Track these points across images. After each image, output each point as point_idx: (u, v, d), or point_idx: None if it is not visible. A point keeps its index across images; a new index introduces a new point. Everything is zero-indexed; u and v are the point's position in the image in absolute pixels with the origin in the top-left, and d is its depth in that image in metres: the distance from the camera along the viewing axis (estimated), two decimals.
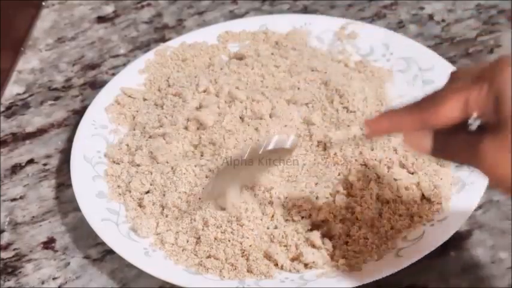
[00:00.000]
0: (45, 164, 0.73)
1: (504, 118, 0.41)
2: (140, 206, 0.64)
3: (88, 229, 0.62)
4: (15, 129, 0.77)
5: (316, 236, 0.59)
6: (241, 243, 0.59)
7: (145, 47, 0.85)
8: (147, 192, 0.65)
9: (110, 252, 0.62)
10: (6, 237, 0.66)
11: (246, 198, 0.61)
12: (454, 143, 0.44)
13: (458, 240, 0.61)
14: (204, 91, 0.71)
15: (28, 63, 0.85)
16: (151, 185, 0.65)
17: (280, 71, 0.73)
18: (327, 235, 0.60)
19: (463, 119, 0.43)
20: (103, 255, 0.64)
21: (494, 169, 0.42)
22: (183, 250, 0.60)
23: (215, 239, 0.59)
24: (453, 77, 0.45)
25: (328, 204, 0.60)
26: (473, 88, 0.42)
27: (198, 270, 0.58)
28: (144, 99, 0.75)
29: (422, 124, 0.44)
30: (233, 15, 0.88)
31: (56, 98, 0.80)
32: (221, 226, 0.60)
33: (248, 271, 0.58)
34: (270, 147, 0.58)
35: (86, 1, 0.93)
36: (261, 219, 0.60)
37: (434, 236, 0.58)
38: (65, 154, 0.72)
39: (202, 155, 0.67)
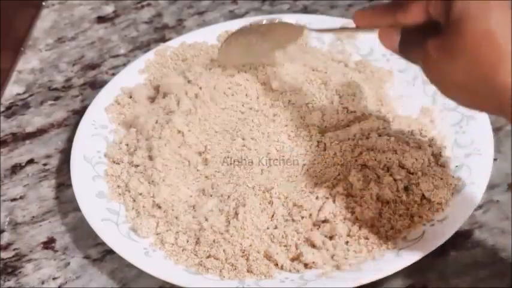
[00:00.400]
0: (45, 164, 0.73)
1: (449, 21, 0.45)
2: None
3: (88, 229, 0.62)
4: (15, 129, 0.77)
5: (316, 236, 0.59)
6: (241, 243, 0.59)
7: (145, 47, 0.85)
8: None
9: (110, 252, 0.62)
10: (6, 237, 0.66)
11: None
12: (415, 43, 0.49)
13: (458, 240, 0.61)
14: None
15: (28, 63, 0.85)
16: None
17: None
18: (327, 235, 0.60)
19: (427, 20, 0.48)
20: (103, 255, 0.64)
21: (432, 66, 0.47)
22: (183, 250, 0.60)
23: (215, 239, 0.59)
24: None
25: (328, 204, 0.60)
26: None
27: (198, 270, 0.58)
28: None
29: (394, 22, 0.50)
30: (233, 15, 0.88)
31: (56, 98, 0.80)
32: (221, 226, 0.60)
33: (248, 271, 0.58)
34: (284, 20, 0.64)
35: (86, 1, 0.93)
36: (261, 219, 0.60)
37: (434, 236, 0.58)
38: (65, 154, 0.72)
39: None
